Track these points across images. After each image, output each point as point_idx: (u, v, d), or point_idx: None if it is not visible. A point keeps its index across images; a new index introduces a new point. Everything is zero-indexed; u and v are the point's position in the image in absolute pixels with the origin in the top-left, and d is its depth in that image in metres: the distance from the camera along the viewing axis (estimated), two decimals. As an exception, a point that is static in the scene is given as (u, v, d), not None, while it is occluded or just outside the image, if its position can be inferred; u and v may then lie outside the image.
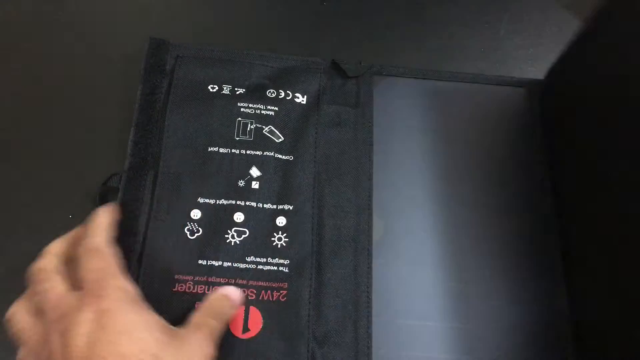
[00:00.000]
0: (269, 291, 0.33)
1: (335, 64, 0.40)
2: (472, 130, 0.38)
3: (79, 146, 0.38)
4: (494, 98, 0.39)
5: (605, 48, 0.32)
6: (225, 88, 0.38)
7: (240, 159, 0.36)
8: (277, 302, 0.33)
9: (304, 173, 0.36)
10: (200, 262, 0.33)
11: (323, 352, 0.32)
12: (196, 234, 0.34)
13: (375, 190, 0.36)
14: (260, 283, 0.33)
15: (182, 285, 0.32)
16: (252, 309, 0.32)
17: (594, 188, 0.33)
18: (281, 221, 0.35)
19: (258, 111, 0.37)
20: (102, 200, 0.35)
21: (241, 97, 0.37)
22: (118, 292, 0.27)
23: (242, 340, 0.32)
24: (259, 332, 0.32)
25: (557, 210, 0.36)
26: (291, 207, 0.35)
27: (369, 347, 0.32)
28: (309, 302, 0.33)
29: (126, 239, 0.33)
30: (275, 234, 0.34)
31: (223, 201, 0.35)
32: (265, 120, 0.37)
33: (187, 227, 0.34)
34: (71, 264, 0.29)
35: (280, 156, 0.36)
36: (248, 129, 0.37)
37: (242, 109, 0.37)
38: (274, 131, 0.37)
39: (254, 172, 0.36)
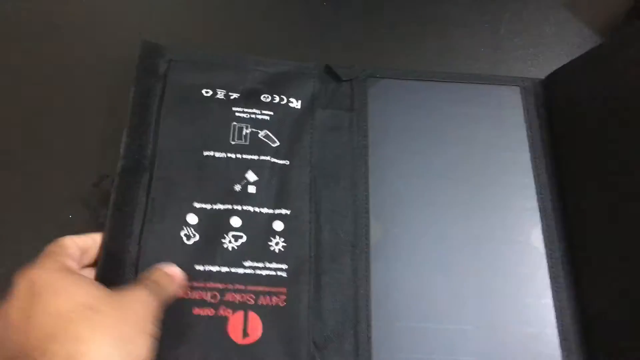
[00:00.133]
0: (267, 296, 0.33)
1: (328, 68, 0.40)
2: (467, 130, 0.38)
3: (76, 147, 0.38)
4: (488, 97, 0.40)
5: (616, 70, 0.33)
6: (219, 92, 0.38)
7: (236, 164, 0.36)
8: (277, 307, 0.32)
9: (300, 177, 0.36)
10: (197, 267, 0.33)
11: (323, 356, 0.32)
12: (192, 239, 0.34)
13: (372, 193, 0.36)
14: (258, 288, 0.33)
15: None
16: (252, 314, 0.32)
17: (595, 180, 0.34)
18: (278, 226, 0.35)
19: (253, 116, 0.37)
20: (96, 202, 0.35)
21: (236, 102, 0.37)
22: (50, 261, 0.27)
23: (242, 345, 0.31)
24: (259, 337, 0.32)
25: (557, 208, 0.36)
26: (288, 212, 0.35)
27: (369, 351, 0.32)
28: (308, 307, 0.33)
29: (120, 241, 0.33)
30: (272, 238, 0.34)
31: (219, 206, 0.34)
32: (260, 124, 0.37)
33: (184, 231, 0.34)
34: None
35: (276, 160, 0.36)
36: (243, 133, 0.37)
37: (237, 114, 0.37)
38: (270, 136, 0.37)
39: (250, 176, 0.35)
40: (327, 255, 0.34)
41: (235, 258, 0.33)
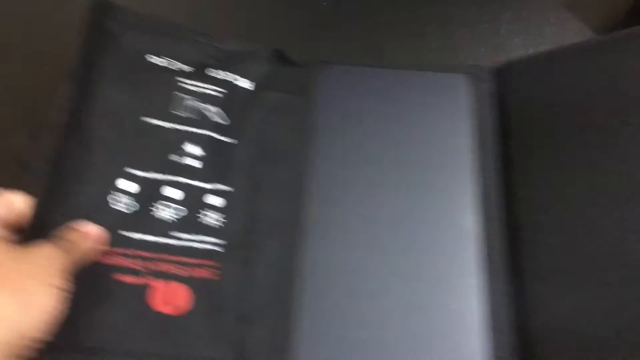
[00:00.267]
0: (198, 269, 0.33)
1: (280, 52, 0.40)
2: (413, 116, 0.39)
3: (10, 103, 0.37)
4: (437, 84, 0.40)
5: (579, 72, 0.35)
6: (166, 61, 0.37)
7: (176, 134, 0.35)
8: (206, 280, 0.32)
9: (242, 155, 0.36)
10: (124, 233, 0.32)
11: (250, 331, 0.32)
12: (121, 205, 0.33)
13: (312, 175, 0.36)
14: (191, 260, 0.33)
15: (102, 256, 0.31)
16: (179, 284, 0.32)
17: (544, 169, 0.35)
18: (215, 200, 0.35)
19: (198, 89, 0.37)
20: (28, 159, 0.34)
21: (182, 73, 0.37)
22: None
23: (165, 315, 0.31)
24: (188, 309, 0.31)
25: (496, 193, 0.36)
26: (226, 188, 0.35)
27: (295, 327, 0.32)
28: (240, 283, 0.33)
29: (48, 202, 0.31)
30: (208, 212, 0.34)
31: (155, 174, 0.34)
32: (204, 98, 0.37)
33: (113, 196, 0.33)
34: None
35: (218, 136, 0.36)
36: (186, 105, 0.36)
37: (181, 85, 0.37)
38: (213, 111, 0.37)
39: (190, 149, 0.35)
40: (261, 233, 0.34)
41: (167, 228, 0.33)
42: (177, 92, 0.36)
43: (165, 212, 0.33)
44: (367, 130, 0.38)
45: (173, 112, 0.36)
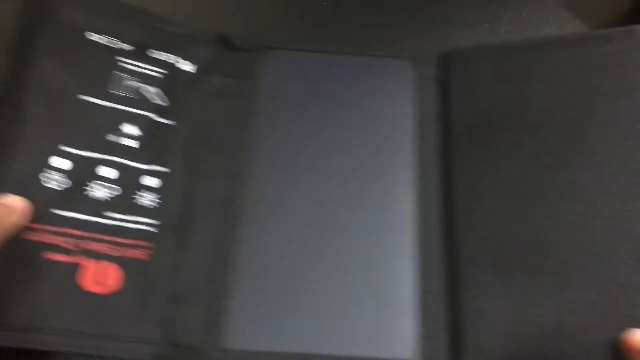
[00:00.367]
0: (132, 249, 0.33)
1: (226, 37, 0.40)
2: (355, 101, 0.39)
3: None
4: (380, 70, 0.40)
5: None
6: (106, 39, 0.37)
7: (113, 114, 0.35)
8: (138, 260, 0.33)
9: (180, 138, 0.36)
10: (55, 211, 0.32)
11: (182, 312, 0.32)
12: (53, 183, 0.32)
13: (251, 158, 0.37)
14: (124, 240, 0.33)
15: (31, 234, 0.31)
16: (110, 264, 0.32)
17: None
18: (151, 181, 0.35)
19: (138, 69, 0.37)
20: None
21: (123, 52, 0.37)
22: None
23: (95, 295, 0.31)
24: (117, 288, 0.32)
25: (435, 178, 0.37)
26: (163, 169, 0.35)
27: (230, 309, 0.32)
28: (173, 264, 0.33)
29: None
30: (144, 193, 0.34)
31: (90, 153, 0.34)
32: (144, 79, 0.37)
33: (44, 173, 0.32)
34: None
35: (156, 117, 0.36)
36: (125, 84, 0.36)
37: (121, 64, 0.36)
38: (152, 92, 0.37)
39: (128, 129, 0.35)
40: (197, 215, 0.35)
41: (100, 208, 0.33)
42: (116, 72, 0.36)
43: (99, 192, 0.33)
44: (308, 114, 0.38)
45: (112, 91, 0.35)
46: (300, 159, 0.37)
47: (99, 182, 0.34)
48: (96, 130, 0.34)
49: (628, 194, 0.32)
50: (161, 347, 0.31)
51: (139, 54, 0.37)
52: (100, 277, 0.32)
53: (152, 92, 0.37)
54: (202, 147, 0.36)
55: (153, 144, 0.35)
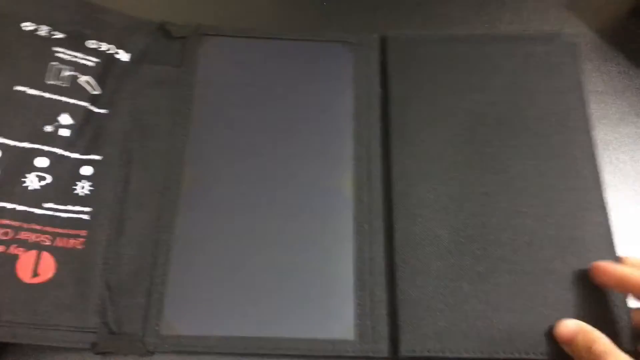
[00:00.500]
0: (65, 238, 0.33)
1: (162, 25, 0.41)
2: (294, 85, 0.39)
3: None
4: (318, 54, 0.41)
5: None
6: (42, 29, 0.37)
7: (50, 104, 0.35)
8: (73, 249, 0.33)
9: (116, 126, 0.36)
10: None
11: (115, 299, 0.32)
12: None
13: (190, 144, 0.37)
14: (56, 230, 0.33)
15: None
16: (45, 254, 0.32)
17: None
18: (87, 170, 0.35)
19: (75, 59, 0.37)
20: None
21: (59, 42, 0.37)
22: None
23: (30, 285, 0.31)
24: (50, 278, 0.32)
25: (374, 159, 0.37)
26: (98, 158, 0.35)
27: (163, 293, 0.32)
28: (107, 251, 0.33)
29: None
30: (79, 182, 0.34)
31: (25, 144, 0.34)
32: (81, 69, 0.37)
33: None
34: None
35: (93, 108, 0.36)
36: (62, 75, 0.36)
37: (57, 54, 0.37)
38: (90, 82, 0.37)
39: (64, 119, 0.35)
40: (133, 202, 0.35)
41: (36, 198, 0.33)
42: (53, 62, 0.36)
43: (35, 182, 0.34)
44: (246, 100, 0.39)
45: (48, 82, 0.36)
46: (239, 144, 0.37)
47: (35, 172, 0.34)
48: (32, 121, 0.35)
49: (555, 185, 0.34)
50: (99, 335, 0.31)
51: (76, 44, 0.38)
52: (35, 268, 0.32)
53: (86, 81, 0.37)
54: (139, 135, 0.37)
55: (87, 133, 0.36)
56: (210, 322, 0.32)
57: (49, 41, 0.37)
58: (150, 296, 0.32)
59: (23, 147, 0.34)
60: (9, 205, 0.33)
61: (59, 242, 0.33)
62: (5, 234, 0.32)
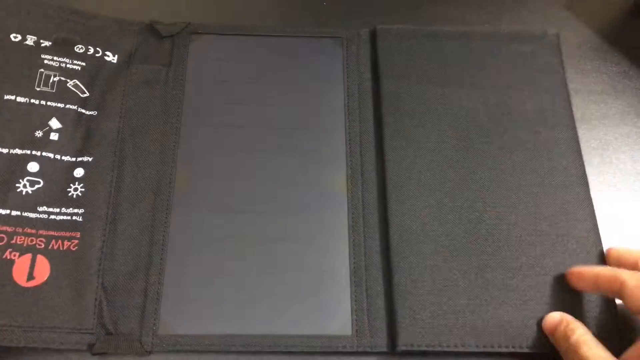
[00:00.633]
0: (59, 240, 0.33)
1: (150, 25, 0.41)
2: (285, 81, 0.40)
3: None
4: (309, 49, 0.41)
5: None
6: (29, 39, 0.38)
7: (39, 110, 0.36)
8: (67, 251, 0.33)
9: (107, 127, 0.37)
10: None
11: (111, 300, 0.33)
12: None
13: (181, 144, 0.37)
14: (50, 232, 0.33)
15: None
16: (40, 257, 0.33)
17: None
18: (79, 172, 0.36)
19: (63, 65, 0.38)
20: None
21: (46, 50, 0.38)
22: None
23: (26, 288, 0.32)
24: (45, 280, 0.32)
25: (366, 155, 0.38)
26: (90, 159, 0.36)
27: (159, 293, 0.33)
28: (102, 252, 0.34)
29: None
30: (72, 184, 0.35)
31: (17, 150, 0.35)
32: (70, 74, 0.38)
33: None
34: None
35: (83, 110, 0.37)
36: (51, 81, 0.37)
37: (45, 61, 0.38)
38: (79, 85, 0.38)
39: (54, 123, 0.36)
40: (126, 202, 0.35)
41: (29, 202, 0.34)
42: (42, 69, 0.38)
43: (26, 187, 0.34)
44: (237, 97, 0.39)
45: (38, 89, 0.37)
46: (230, 142, 0.38)
47: (28, 177, 0.35)
48: (23, 128, 0.36)
49: (544, 181, 0.36)
50: (96, 336, 0.32)
51: (63, 50, 0.39)
52: (31, 271, 0.32)
53: (74, 85, 0.38)
54: (130, 135, 0.37)
55: (78, 136, 0.37)
56: (207, 320, 0.33)
57: (37, 50, 0.38)
58: (147, 296, 0.33)
59: (15, 154, 0.35)
60: (3, 212, 0.33)
61: (53, 245, 0.33)
62: (1, 239, 0.33)
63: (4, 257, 0.32)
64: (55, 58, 0.38)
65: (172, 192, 0.36)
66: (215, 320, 0.33)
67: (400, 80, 0.39)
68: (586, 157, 0.38)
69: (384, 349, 0.32)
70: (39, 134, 0.36)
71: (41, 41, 0.39)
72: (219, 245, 0.35)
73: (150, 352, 0.32)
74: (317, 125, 0.39)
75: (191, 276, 0.34)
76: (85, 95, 0.38)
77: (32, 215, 0.34)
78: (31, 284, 0.32)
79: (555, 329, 0.31)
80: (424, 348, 0.32)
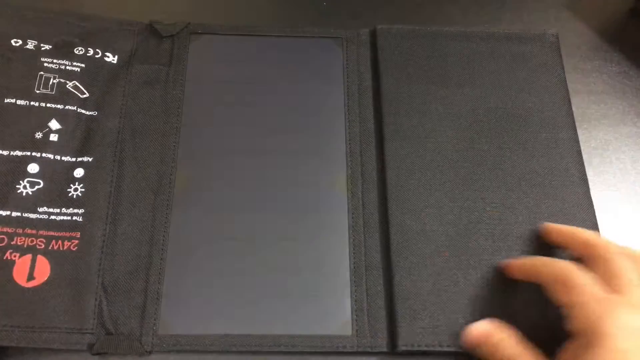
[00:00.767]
0: (60, 241, 0.34)
1: (150, 25, 0.41)
2: (286, 81, 0.40)
3: None
4: (310, 49, 0.42)
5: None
6: (29, 43, 0.39)
7: (39, 112, 0.37)
8: (68, 251, 0.34)
9: (107, 128, 0.37)
10: None
11: (111, 300, 0.33)
12: None
13: (182, 143, 0.38)
14: (51, 233, 0.34)
15: None
16: (40, 257, 0.33)
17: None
18: (79, 172, 0.36)
19: (63, 67, 0.39)
20: None
21: (46, 53, 0.39)
22: None
23: (26, 288, 0.32)
24: (45, 280, 0.33)
25: (366, 155, 0.38)
26: (90, 159, 0.36)
27: (159, 294, 0.33)
28: (102, 252, 0.34)
29: None
30: (72, 185, 0.36)
31: (17, 152, 0.35)
32: (69, 75, 0.39)
33: None
34: None
35: (83, 111, 0.38)
36: (50, 83, 0.38)
37: (45, 64, 0.38)
38: (79, 87, 0.38)
39: (54, 125, 0.37)
40: (126, 202, 0.36)
41: (29, 203, 0.34)
42: (42, 72, 0.38)
43: (27, 188, 0.35)
44: (237, 97, 0.39)
45: (37, 91, 0.37)
46: (231, 141, 0.38)
47: (28, 178, 0.35)
48: (23, 130, 0.36)
49: (544, 182, 0.36)
50: (96, 336, 0.32)
51: (63, 53, 0.39)
52: (31, 271, 0.33)
53: (74, 86, 0.38)
54: (130, 135, 0.38)
55: (78, 136, 0.37)
56: (208, 320, 0.33)
57: (37, 53, 0.39)
58: (147, 296, 0.33)
59: (15, 156, 0.35)
60: (3, 213, 0.34)
61: (54, 245, 0.34)
62: (1, 240, 0.33)
63: (4, 258, 0.33)
64: (54, 61, 0.39)
65: (172, 192, 0.36)
66: (215, 320, 0.33)
67: (400, 80, 0.40)
68: (586, 157, 0.38)
69: (384, 349, 0.32)
70: (38, 135, 0.36)
71: (41, 45, 0.39)
72: (219, 245, 0.35)
73: (150, 352, 0.32)
74: (317, 125, 0.39)
75: (191, 276, 0.34)
76: (85, 96, 0.38)
77: (32, 215, 0.34)
78: (31, 284, 0.32)
79: (480, 342, 0.31)
80: (424, 348, 0.32)
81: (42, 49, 0.39)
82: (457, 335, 0.32)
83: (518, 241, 0.34)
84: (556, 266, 0.31)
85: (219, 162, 0.37)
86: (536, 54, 0.41)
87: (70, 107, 0.37)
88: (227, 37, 0.42)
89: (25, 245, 0.33)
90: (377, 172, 0.37)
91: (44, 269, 0.33)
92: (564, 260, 0.31)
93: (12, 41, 0.39)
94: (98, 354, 0.32)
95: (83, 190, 0.36)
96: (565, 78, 0.40)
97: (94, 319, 0.32)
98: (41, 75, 0.38)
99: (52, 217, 0.34)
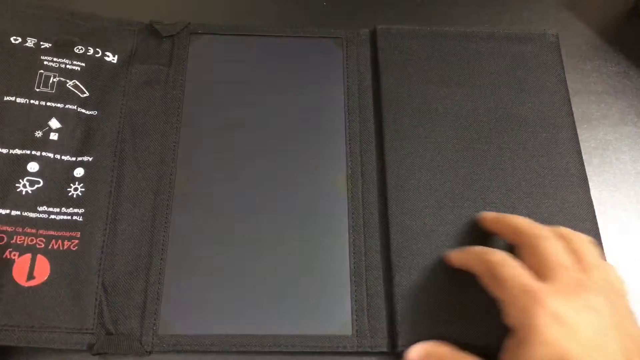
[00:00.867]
0: (59, 240, 0.34)
1: (150, 25, 0.42)
2: (286, 81, 0.40)
3: None
4: (310, 49, 0.42)
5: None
6: (29, 41, 0.39)
7: (39, 110, 0.37)
8: (68, 251, 0.34)
9: (107, 127, 0.38)
10: None
11: (111, 300, 0.33)
12: None
13: (181, 144, 0.38)
14: (50, 232, 0.34)
15: None
16: (40, 257, 0.33)
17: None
18: (79, 172, 0.36)
19: (63, 65, 0.39)
20: None
21: (46, 51, 0.39)
22: None
23: (26, 288, 0.32)
24: (45, 280, 0.33)
25: (366, 155, 0.38)
26: (90, 159, 0.37)
27: (159, 294, 0.33)
28: (102, 252, 0.34)
29: None
30: (71, 184, 0.36)
31: (17, 151, 0.35)
32: (69, 74, 0.39)
33: None
34: None
35: (83, 110, 0.38)
36: (50, 81, 0.38)
37: (45, 62, 0.38)
38: (79, 86, 0.38)
39: (54, 123, 0.37)
40: (126, 202, 0.36)
41: (29, 202, 0.34)
42: (42, 71, 0.38)
43: (26, 187, 0.35)
44: (238, 97, 0.40)
45: (37, 89, 0.37)
46: (231, 141, 0.38)
47: (28, 177, 0.35)
48: (23, 128, 0.36)
49: (544, 182, 0.36)
50: (96, 336, 0.32)
51: (63, 51, 0.39)
52: (31, 270, 0.33)
53: (74, 85, 0.38)
54: (130, 135, 0.38)
55: (78, 135, 0.37)
56: (208, 320, 0.33)
57: (37, 51, 0.39)
58: (147, 296, 0.33)
59: (14, 154, 0.35)
60: (3, 211, 0.34)
61: (53, 245, 0.34)
62: (1, 239, 0.33)
63: (3, 256, 0.33)
64: (54, 59, 0.39)
65: (172, 192, 0.36)
66: (215, 320, 0.33)
67: (400, 80, 0.40)
68: (586, 157, 0.38)
69: (384, 349, 0.32)
70: (38, 134, 0.36)
71: (41, 43, 0.39)
72: (219, 245, 0.35)
73: (150, 352, 0.32)
74: (317, 125, 0.39)
75: (191, 276, 0.34)
76: (85, 95, 0.38)
77: (32, 215, 0.34)
78: (31, 283, 0.32)
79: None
80: (424, 347, 0.32)
81: (42, 47, 0.39)
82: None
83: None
84: (485, 258, 0.30)
85: (219, 162, 0.37)
86: (536, 54, 0.41)
87: (70, 106, 0.38)
88: (227, 37, 0.42)
89: (24, 245, 0.33)
90: (377, 172, 0.37)
91: (43, 269, 0.33)
92: (496, 250, 0.31)
93: (12, 39, 0.39)
94: (98, 354, 0.32)
95: (83, 189, 0.36)
96: (565, 78, 0.40)
97: (94, 318, 0.33)
98: (41, 74, 0.38)
99: (52, 216, 0.34)
